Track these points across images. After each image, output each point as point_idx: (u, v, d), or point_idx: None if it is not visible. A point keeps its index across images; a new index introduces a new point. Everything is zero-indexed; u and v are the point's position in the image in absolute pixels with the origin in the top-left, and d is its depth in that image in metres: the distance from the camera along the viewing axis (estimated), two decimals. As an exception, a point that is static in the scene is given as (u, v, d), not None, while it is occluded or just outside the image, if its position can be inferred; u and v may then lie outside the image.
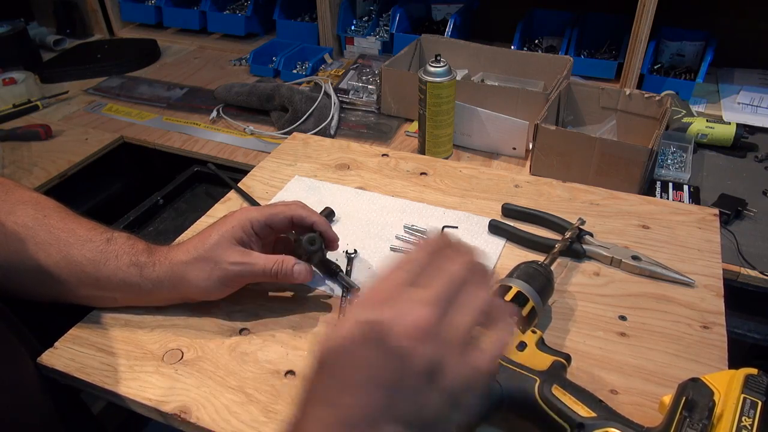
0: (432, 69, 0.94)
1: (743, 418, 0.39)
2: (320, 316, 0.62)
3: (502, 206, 0.76)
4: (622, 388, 0.53)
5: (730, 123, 1.08)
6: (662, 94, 1.05)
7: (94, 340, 0.59)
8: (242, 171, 0.95)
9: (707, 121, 1.09)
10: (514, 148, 1.06)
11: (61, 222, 0.58)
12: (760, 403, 0.40)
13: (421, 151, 1.04)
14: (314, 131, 1.14)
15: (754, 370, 0.43)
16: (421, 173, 0.86)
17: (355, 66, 1.39)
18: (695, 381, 0.42)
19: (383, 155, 0.90)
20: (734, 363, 0.56)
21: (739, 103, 1.24)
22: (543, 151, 0.96)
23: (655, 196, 0.94)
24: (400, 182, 0.84)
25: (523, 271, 0.57)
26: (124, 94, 1.40)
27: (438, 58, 0.95)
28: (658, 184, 0.96)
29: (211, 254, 0.56)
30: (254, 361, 0.57)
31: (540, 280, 0.57)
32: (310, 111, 1.17)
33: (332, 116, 1.18)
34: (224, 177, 0.91)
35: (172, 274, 0.57)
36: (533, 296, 0.54)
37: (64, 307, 0.60)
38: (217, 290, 0.58)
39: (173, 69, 1.54)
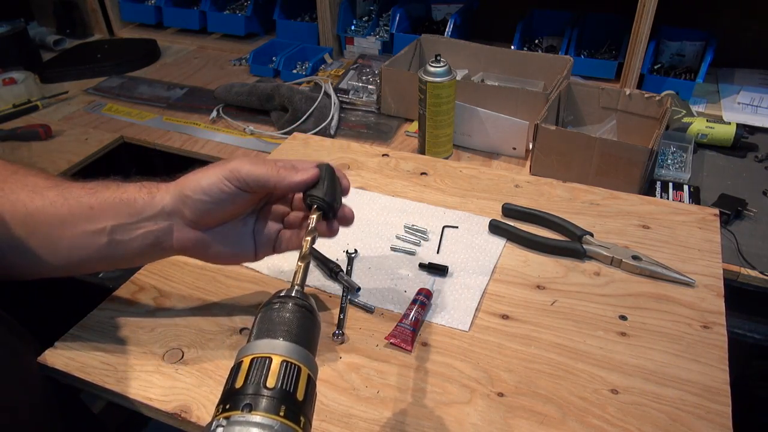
0: (432, 69, 0.94)
1: None
2: (320, 315, 0.62)
3: (503, 206, 0.76)
4: (622, 387, 0.53)
5: (730, 123, 1.08)
6: (662, 94, 1.05)
7: (94, 339, 0.59)
8: (242, 171, 0.95)
9: (707, 121, 1.09)
10: (514, 148, 1.06)
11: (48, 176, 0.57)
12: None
13: (421, 151, 1.04)
14: (314, 131, 1.14)
15: None
16: (422, 173, 0.86)
17: (355, 66, 1.39)
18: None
19: (383, 155, 0.90)
20: (734, 363, 0.56)
21: (739, 103, 1.24)
22: (543, 151, 0.96)
23: (655, 196, 0.94)
24: (400, 182, 0.84)
25: None
26: (124, 94, 1.40)
27: (438, 58, 0.95)
28: (658, 184, 0.96)
29: (219, 163, 0.55)
30: (254, 360, 0.57)
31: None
32: (310, 111, 1.17)
33: (332, 116, 1.18)
34: (224, 177, 0.91)
35: (176, 189, 0.54)
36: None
37: (64, 307, 0.60)
38: (217, 191, 0.52)
39: (173, 69, 1.54)
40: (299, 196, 0.58)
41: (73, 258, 0.54)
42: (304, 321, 0.40)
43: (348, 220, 0.56)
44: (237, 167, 0.52)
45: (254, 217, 0.58)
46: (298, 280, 0.46)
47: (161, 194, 0.54)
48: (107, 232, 0.53)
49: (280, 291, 0.44)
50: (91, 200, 0.53)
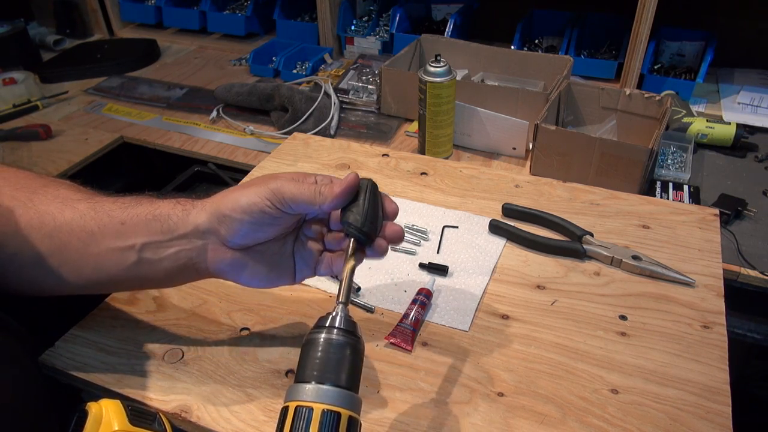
0: (432, 69, 0.94)
1: None
2: (320, 315, 0.62)
3: (503, 206, 0.76)
4: (622, 387, 0.53)
5: (730, 123, 1.08)
6: (662, 94, 1.05)
7: (94, 339, 0.59)
8: (242, 171, 0.95)
9: (707, 121, 1.09)
10: (514, 148, 1.06)
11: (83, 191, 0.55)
12: None
13: (421, 151, 1.04)
14: (314, 131, 1.14)
15: None
16: (422, 173, 0.86)
17: (355, 66, 1.39)
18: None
19: (383, 155, 0.90)
20: (734, 363, 0.56)
21: (739, 103, 1.24)
22: (543, 151, 0.96)
23: (655, 196, 0.94)
24: (400, 182, 0.84)
25: None
26: (124, 94, 1.40)
27: (438, 58, 0.95)
28: (658, 184, 0.96)
29: (258, 180, 0.51)
30: (254, 360, 0.57)
31: None
32: (310, 111, 1.17)
33: (332, 116, 1.18)
34: (225, 177, 0.91)
35: (212, 207, 0.50)
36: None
37: (64, 307, 0.60)
38: (258, 212, 0.49)
39: (173, 69, 1.55)
40: (336, 213, 0.53)
41: (99, 276, 0.52)
42: (351, 356, 0.43)
43: (382, 251, 0.51)
44: (280, 188, 0.49)
45: (293, 236, 0.54)
46: (342, 296, 0.46)
47: (196, 212, 0.51)
48: (137, 249, 0.50)
49: (326, 318, 0.44)
50: (123, 215, 0.51)
